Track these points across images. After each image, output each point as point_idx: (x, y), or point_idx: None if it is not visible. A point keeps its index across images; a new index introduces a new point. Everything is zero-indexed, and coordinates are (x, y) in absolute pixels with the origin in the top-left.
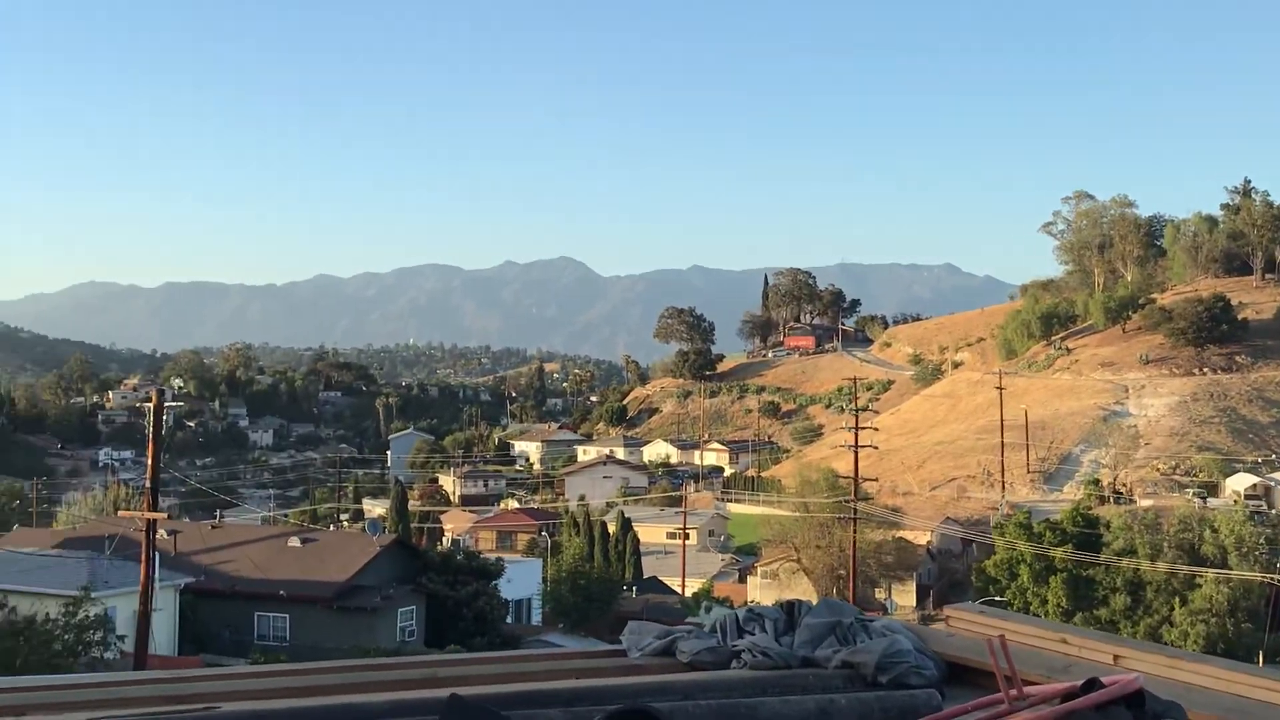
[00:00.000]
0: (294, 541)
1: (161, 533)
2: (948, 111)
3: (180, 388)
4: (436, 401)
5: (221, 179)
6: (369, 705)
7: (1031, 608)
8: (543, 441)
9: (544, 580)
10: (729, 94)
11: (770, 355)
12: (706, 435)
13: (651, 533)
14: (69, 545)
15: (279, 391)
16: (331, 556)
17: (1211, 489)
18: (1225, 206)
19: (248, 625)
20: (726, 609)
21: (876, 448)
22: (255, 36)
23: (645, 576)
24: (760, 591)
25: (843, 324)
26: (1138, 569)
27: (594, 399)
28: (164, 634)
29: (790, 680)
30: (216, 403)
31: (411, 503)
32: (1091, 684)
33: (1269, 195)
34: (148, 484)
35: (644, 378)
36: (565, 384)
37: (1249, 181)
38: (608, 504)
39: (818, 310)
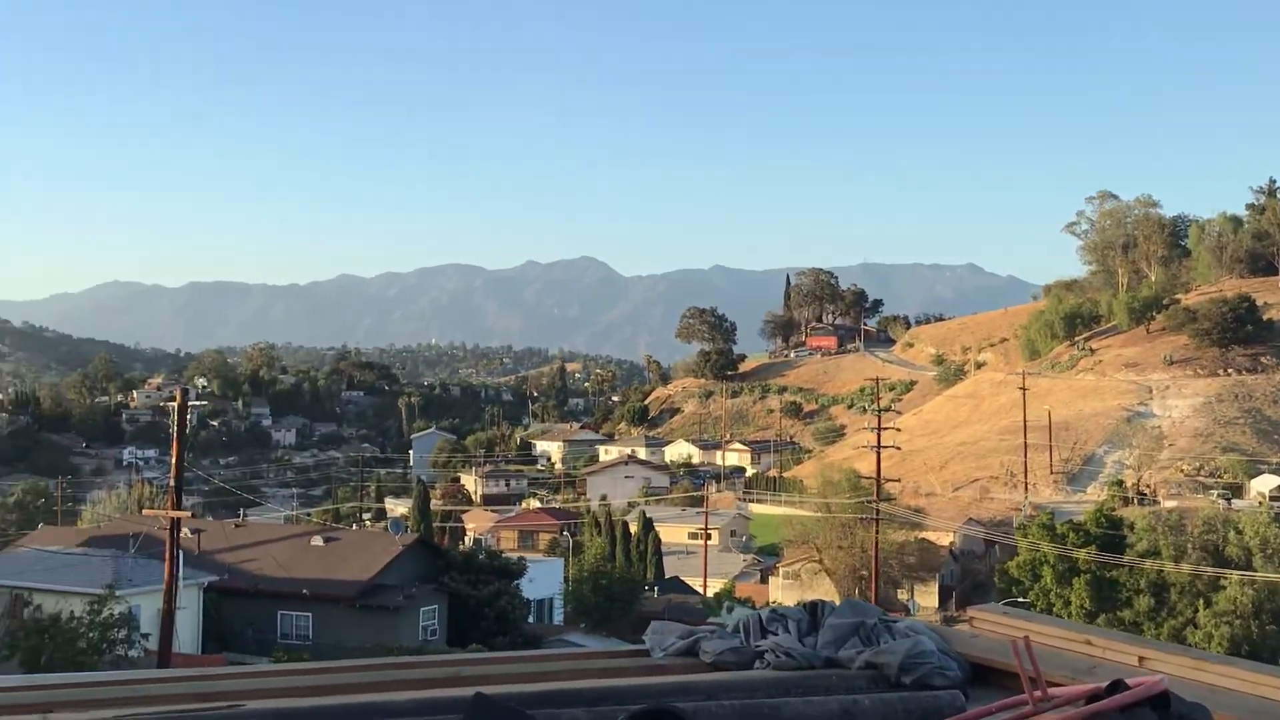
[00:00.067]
0: (317, 540)
1: (185, 531)
2: (971, 111)
3: (204, 387)
4: (458, 401)
5: (245, 179)
6: (393, 704)
7: (1054, 609)
8: (564, 441)
9: (565, 580)
10: (752, 94)
11: (792, 355)
12: (728, 435)
13: (673, 533)
14: (94, 544)
15: (302, 391)
16: (354, 555)
17: (1236, 490)
18: (1250, 206)
19: (271, 624)
20: (749, 609)
21: (899, 448)
22: (280, 37)
23: (667, 577)
24: (782, 592)
25: (865, 324)
26: (1161, 570)
27: (615, 399)
28: (188, 632)
29: (814, 681)
30: (240, 402)
31: (433, 502)
32: (1116, 685)
33: None
34: (172, 483)
35: (665, 378)
36: (587, 384)
37: (1274, 181)
38: (629, 504)
39: (840, 310)
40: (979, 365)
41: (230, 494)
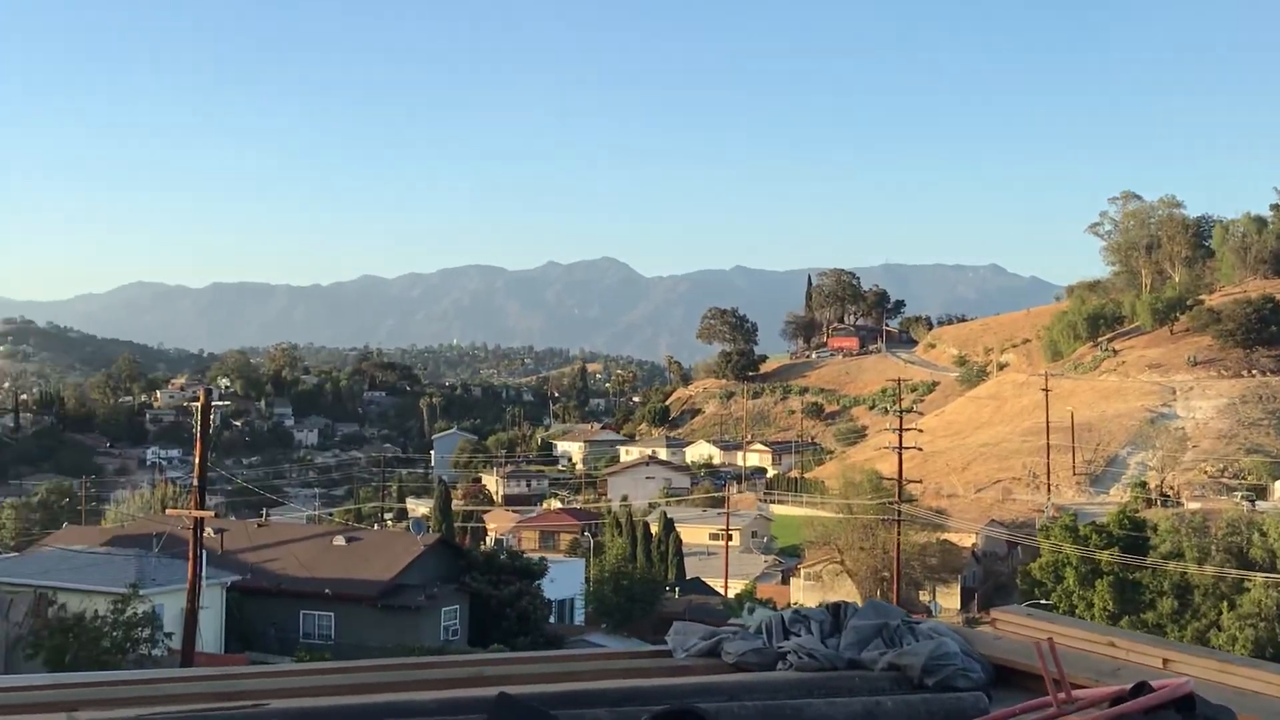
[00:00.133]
0: (339, 540)
1: (208, 531)
2: (995, 111)
3: (227, 387)
4: (480, 402)
5: (268, 181)
6: (417, 703)
7: (1077, 611)
8: (585, 442)
9: (586, 580)
10: (774, 95)
11: (814, 356)
12: (749, 436)
13: (694, 534)
14: (117, 543)
15: (324, 391)
16: (376, 555)
17: (1260, 492)
18: (1275, 207)
19: (293, 623)
20: (770, 610)
21: (921, 449)
22: (303, 40)
23: (688, 577)
24: (803, 593)
25: (887, 325)
26: (1185, 572)
27: (636, 399)
28: (211, 632)
29: (836, 682)
30: (262, 402)
31: (455, 502)
32: (1141, 688)
33: None
34: (195, 482)
35: (686, 378)
36: (608, 384)
37: None
38: (650, 504)
39: (862, 311)
40: (1001, 366)
41: (253, 494)
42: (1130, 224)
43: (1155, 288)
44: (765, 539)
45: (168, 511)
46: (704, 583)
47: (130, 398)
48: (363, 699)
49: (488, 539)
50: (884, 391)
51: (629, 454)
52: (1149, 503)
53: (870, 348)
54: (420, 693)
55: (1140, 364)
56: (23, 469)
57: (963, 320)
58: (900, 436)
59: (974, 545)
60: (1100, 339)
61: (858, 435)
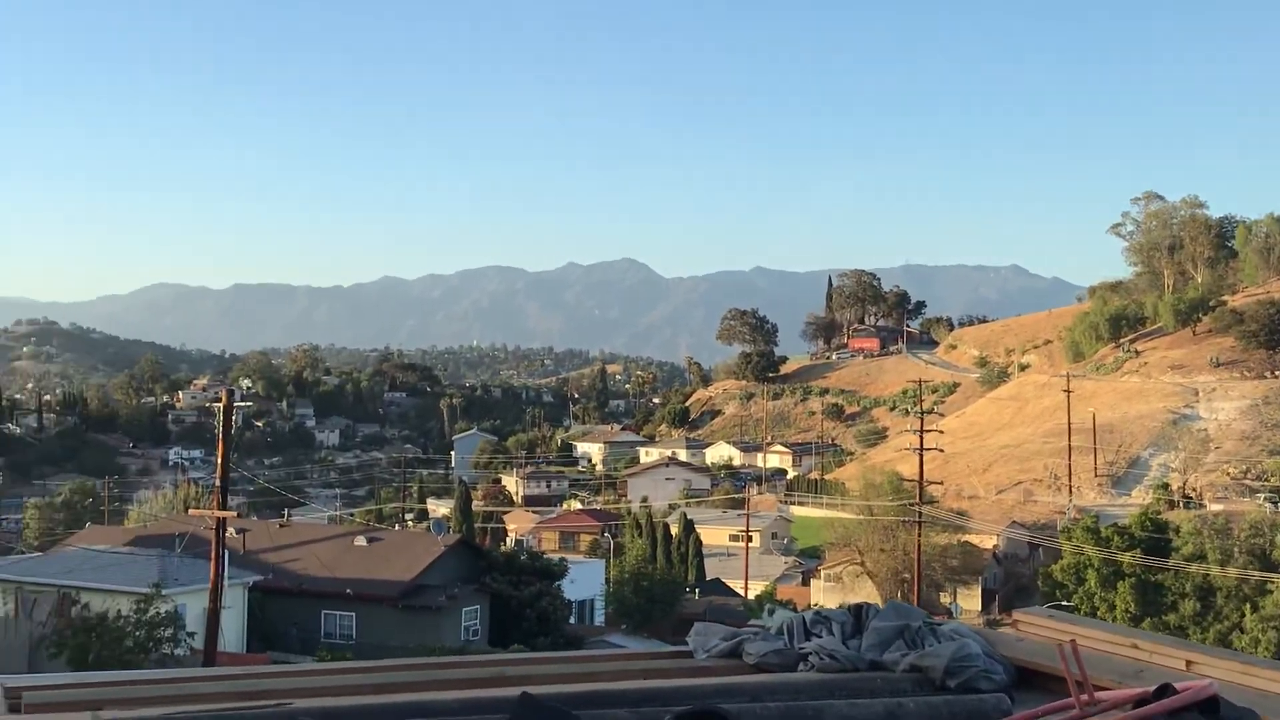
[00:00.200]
0: (360, 540)
1: (231, 531)
2: (1016, 111)
3: (249, 388)
4: (499, 402)
5: (289, 182)
6: (439, 703)
7: (1099, 613)
8: (605, 443)
9: (606, 581)
10: (793, 94)
11: (834, 357)
12: (769, 437)
13: (714, 535)
14: (140, 543)
15: (345, 392)
16: (397, 556)
17: None
18: None
19: (314, 623)
20: (790, 611)
21: (942, 450)
22: (323, 42)
23: (708, 579)
24: (824, 594)
25: (908, 326)
26: (1207, 574)
27: (656, 401)
28: (233, 631)
29: (858, 683)
30: (284, 403)
31: (475, 503)
32: (1164, 690)
33: None
34: (217, 483)
35: (706, 379)
36: (627, 385)
37: None
38: (670, 506)
39: (882, 312)
40: (1023, 367)
41: (274, 494)
42: (1152, 224)
43: (1178, 288)
44: (785, 540)
45: (190, 512)
46: (724, 584)
47: (153, 398)
48: (385, 699)
49: (508, 540)
50: (905, 393)
51: (649, 455)
52: (1171, 504)
53: (891, 349)
54: (442, 692)
55: (1162, 365)
56: (46, 469)
57: (984, 321)
58: (921, 438)
59: (995, 547)
60: (1122, 340)
61: (878, 436)
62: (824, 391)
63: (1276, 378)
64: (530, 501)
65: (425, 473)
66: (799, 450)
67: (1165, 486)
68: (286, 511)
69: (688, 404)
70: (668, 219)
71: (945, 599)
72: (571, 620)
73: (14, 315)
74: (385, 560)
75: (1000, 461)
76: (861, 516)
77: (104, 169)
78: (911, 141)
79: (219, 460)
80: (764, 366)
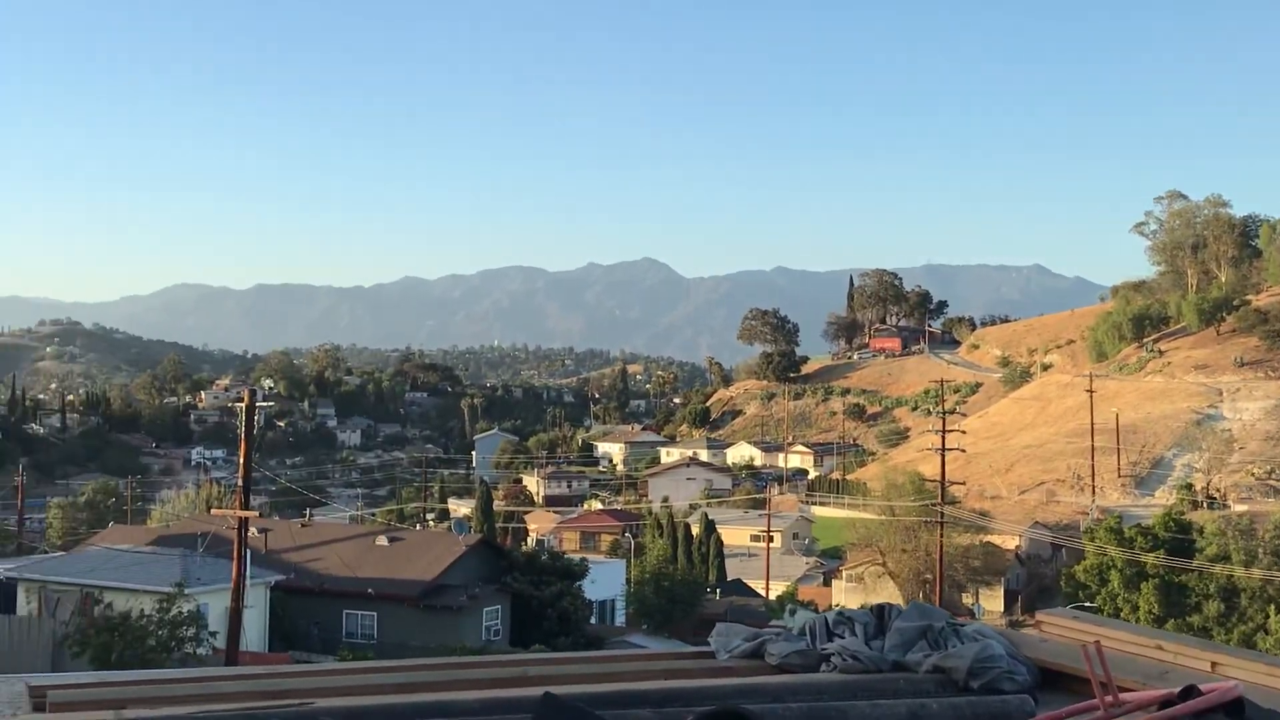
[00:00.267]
0: (381, 540)
1: (253, 530)
2: (1037, 111)
3: (271, 388)
4: (520, 402)
5: (312, 183)
6: (461, 703)
7: (1122, 614)
8: (626, 443)
9: (627, 581)
10: (814, 94)
11: (855, 357)
12: (790, 437)
13: (735, 535)
14: (163, 542)
15: (366, 392)
16: (418, 555)
17: None
18: None
19: (336, 623)
20: (812, 612)
21: (964, 451)
22: (348, 43)
23: (729, 579)
24: (845, 595)
25: (929, 326)
26: (1231, 575)
27: (677, 401)
28: (255, 631)
29: (881, 684)
30: (306, 403)
31: (496, 503)
32: (1189, 691)
33: None
34: (239, 482)
35: (727, 380)
36: (648, 385)
37: None
38: (691, 506)
39: (904, 312)
40: (1045, 367)
41: (296, 494)
42: (1176, 224)
43: (1201, 288)
44: (807, 541)
45: (212, 511)
46: (745, 584)
47: (175, 398)
48: (407, 698)
49: (529, 539)
50: (926, 393)
51: (670, 455)
52: (1195, 505)
53: (912, 349)
54: (465, 692)
55: (1186, 365)
56: (69, 469)
57: (1006, 321)
58: (943, 438)
59: (1017, 547)
60: (1145, 340)
61: (900, 437)
62: (845, 391)
63: None
64: (551, 501)
65: (446, 473)
66: (820, 450)
67: (1189, 487)
68: (308, 511)
69: (709, 404)
70: (689, 219)
71: (967, 600)
72: (592, 620)
73: (37, 316)
74: (406, 560)
75: (1023, 462)
76: (883, 517)
77: (127, 171)
78: (933, 141)
79: (241, 460)
80: (785, 366)
